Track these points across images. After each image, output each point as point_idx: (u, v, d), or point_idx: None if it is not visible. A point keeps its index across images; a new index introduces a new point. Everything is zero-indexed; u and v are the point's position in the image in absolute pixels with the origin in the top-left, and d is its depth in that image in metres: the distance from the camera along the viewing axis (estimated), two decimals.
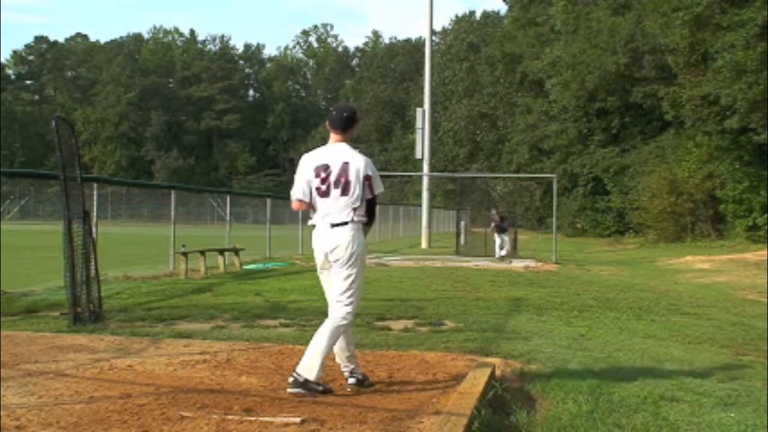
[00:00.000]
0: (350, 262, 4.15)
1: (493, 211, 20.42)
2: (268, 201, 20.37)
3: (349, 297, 4.18)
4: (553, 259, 18.82)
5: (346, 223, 4.16)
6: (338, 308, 4.16)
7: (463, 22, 68.84)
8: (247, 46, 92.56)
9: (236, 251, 14.55)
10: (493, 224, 19.83)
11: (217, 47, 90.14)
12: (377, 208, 4.30)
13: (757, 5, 24.07)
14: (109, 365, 4.88)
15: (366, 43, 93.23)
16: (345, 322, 4.15)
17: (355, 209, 4.17)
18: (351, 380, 4.35)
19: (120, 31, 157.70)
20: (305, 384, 4.04)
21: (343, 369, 4.38)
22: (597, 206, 40.15)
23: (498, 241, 19.55)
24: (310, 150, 4.55)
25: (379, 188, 4.26)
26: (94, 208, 10.32)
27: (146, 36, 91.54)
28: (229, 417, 3.58)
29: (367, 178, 4.20)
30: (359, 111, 4.50)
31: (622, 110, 38.43)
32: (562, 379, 4.86)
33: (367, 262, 4.28)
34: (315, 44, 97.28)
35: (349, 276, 4.17)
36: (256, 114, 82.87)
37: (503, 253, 19.23)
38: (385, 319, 7.61)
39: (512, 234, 22.30)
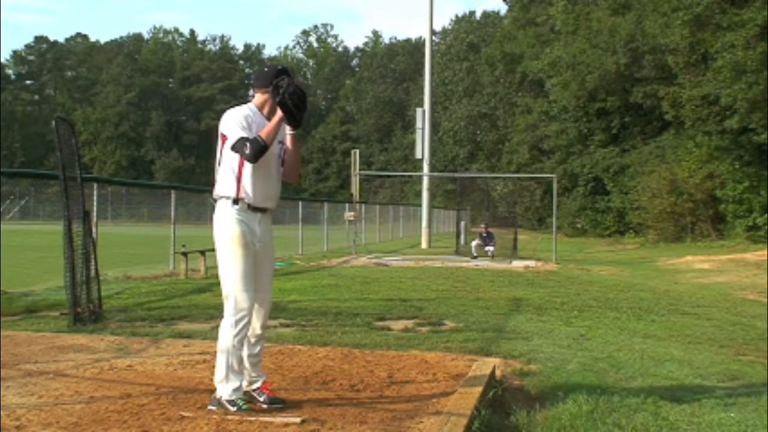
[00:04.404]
0: (216, 247, 3.78)
1: (482, 225, 20.76)
2: None
3: (224, 290, 3.72)
4: (553, 259, 18.81)
5: (215, 201, 3.80)
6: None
7: (463, 22, 68.80)
8: (247, 46, 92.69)
9: None
10: (479, 236, 20.15)
11: (217, 47, 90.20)
12: (249, 146, 3.56)
13: (757, 5, 24.06)
14: (109, 365, 4.88)
15: (366, 43, 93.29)
16: (227, 321, 3.68)
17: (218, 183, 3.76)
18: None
19: (120, 31, 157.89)
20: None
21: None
22: (597, 206, 40.15)
23: (474, 243, 19.82)
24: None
25: (232, 138, 3.62)
26: (94, 208, 10.31)
27: (146, 36, 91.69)
28: (229, 417, 3.58)
29: (223, 138, 3.73)
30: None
31: (622, 110, 38.42)
32: (562, 379, 4.86)
33: (235, 250, 3.67)
34: (315, 44, 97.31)
35: (219, 264, 3.77)
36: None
37: (491, 253, 19.41)
38: (385, 319, 7.60)
39: (512, 234, 22.37)
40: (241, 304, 3.66)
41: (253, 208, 3.75)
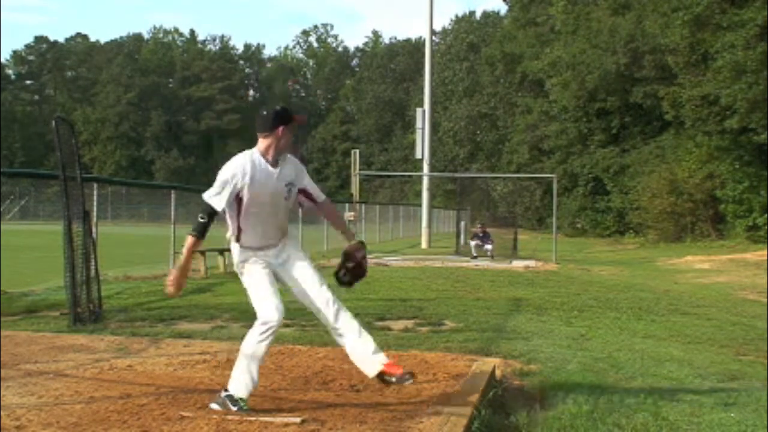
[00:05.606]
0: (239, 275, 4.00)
1: (478, 224, 20.72)
2: None
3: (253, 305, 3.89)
4: (553, 259, 18.81)
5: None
6: None
7: (463, 22, 68.73)
8: (247, 46, 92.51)
9: None
10: (475, 236, 20.04)
11: (217, 47, 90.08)
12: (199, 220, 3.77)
13: (757, 5, 24.07)
14: (109, 365, 4.88)
15: (366, 43, 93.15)
16: (254, 328, 3.79)
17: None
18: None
19: (120, 31, 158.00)
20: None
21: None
22: (597, 206, 40.14)
23: (474, 243, 19.76)
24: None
25: (207, 193, 3.81)
26: (94, 208, 10.30)
27: (146, 36, 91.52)
28: (229, 417, 3.58)
29: None
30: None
31: (622, 110, 38.42)
32: (562, 379, 4.86)
33: (247, 269, 3.90)
34: (315, 44, 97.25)
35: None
36: (256, 114, 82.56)
37: (489, 253, 19.33)
38: (385, 319, 7.60)
39: (512, 234, 22.36)
40: (263, 315, 3.76)
41: (255, 249, 3.90)
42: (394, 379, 3.88)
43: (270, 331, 3.74)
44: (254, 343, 3.74)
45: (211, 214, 3.75)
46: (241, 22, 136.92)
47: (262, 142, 3.85)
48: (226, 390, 3.75)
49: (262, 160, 3.81)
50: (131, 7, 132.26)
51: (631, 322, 8.26)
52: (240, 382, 3.72)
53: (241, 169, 3.76)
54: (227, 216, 3.86)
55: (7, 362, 4.85)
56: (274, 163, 3.82)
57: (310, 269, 4.02)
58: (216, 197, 3.74)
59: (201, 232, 3.75)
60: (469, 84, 57.83)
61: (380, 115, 73.69)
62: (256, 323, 3.77)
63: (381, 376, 3.90)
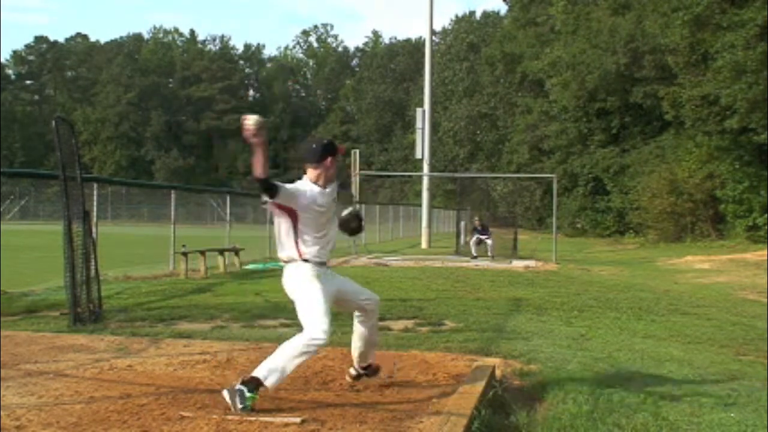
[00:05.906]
0: (290, 293, 4.14)
1: (476, 218, 20.67)
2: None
3: (301, 321, 3.99)
4: (553, 259, 18.81)
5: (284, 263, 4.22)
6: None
7: (463, 22, 68.73)
8: (247, 46, 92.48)
9: (236, 251, 14.56)
10: (474, 230, 19.94)
11: (217, 47, 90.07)
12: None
13: (757, 5, 24.06)
14: (109, 365, 4.88)
15: (366, 43, 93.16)
16: (302, 339, 3.87)
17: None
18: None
19: (120, 31, 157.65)
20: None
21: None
22: (597, 206, 40.13)
23: (473, 239, 19.68)
24: None
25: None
26: (94, 208, 10.32)
27: (146, 36, 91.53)
28: (229, 417, 3.58)
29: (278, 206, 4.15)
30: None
31: (622, 110, 38.41)
32: (562, 379, 4.86)
33: (306, 282, 4.03)
34: (315, 44, 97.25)
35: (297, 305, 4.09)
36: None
37: (489, 253, 19.24)
38: (385, 319, 7.58)
39: (512, 234, 22.35)
40: (312, 332, 3.83)
41: (317, 264, 4.08)
42: (380, 372, 4.46)
43: (314, 348, 3.84)
44: (295, 351, 3.84)
45: (270, 189, 3.85)
46: (241, 22, 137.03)
47: (312, 172, 4.13)
48: (243, 383, 3.75)
49: (316, 186, 4.09)
50: (131, 7, 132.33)
51: (631, 322, 8.26)
52: (273, 374, 3.78)
53: (303, 187, 4.04)
54: (282, 235, 4.06)
55: (7, 362, 4.86)
56: (324, 186, 4.12)
57: (349, 284, 4.34)
58: (280, 188, 3.86)
59: (268, 182, 3.83)
60: (469, 84, 57.83)
61: (380, 115, 73.68)
62: (303, 336, 3.84)
63: (372, 368, 4.42)
